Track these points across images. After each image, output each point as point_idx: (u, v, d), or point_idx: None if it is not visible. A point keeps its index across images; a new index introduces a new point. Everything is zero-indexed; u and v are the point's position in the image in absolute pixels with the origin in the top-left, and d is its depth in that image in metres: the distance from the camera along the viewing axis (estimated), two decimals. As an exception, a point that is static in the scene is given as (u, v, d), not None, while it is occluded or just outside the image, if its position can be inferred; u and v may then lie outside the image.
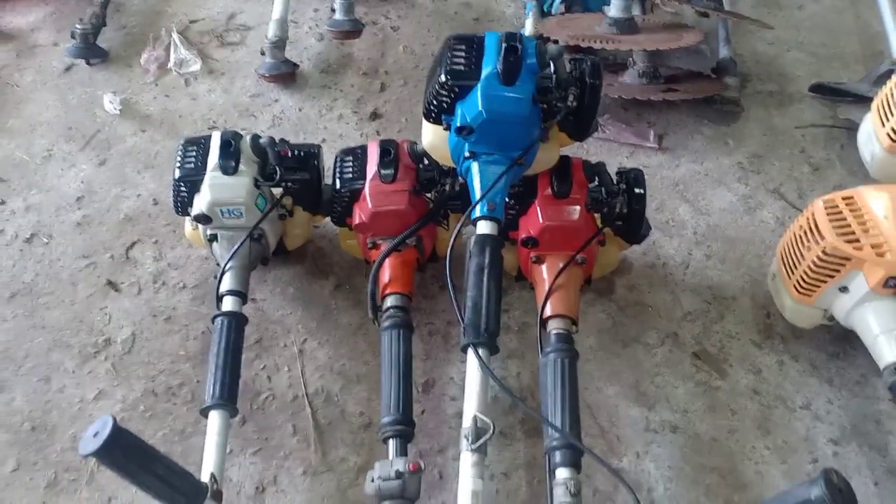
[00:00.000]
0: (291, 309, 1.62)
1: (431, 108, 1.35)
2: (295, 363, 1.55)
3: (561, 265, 1.45)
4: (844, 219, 1.38)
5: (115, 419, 0.85)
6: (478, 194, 1.32)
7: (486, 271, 1.27)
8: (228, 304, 1.43)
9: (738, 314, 1.62)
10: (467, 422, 1.16)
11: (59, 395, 1.47)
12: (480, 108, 1.28)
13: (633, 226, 1.52)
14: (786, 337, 1.58)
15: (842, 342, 1.55)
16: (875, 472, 1.42)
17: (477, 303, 1.24)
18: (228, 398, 1.33)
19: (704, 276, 1.68)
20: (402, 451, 1.31)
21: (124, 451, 0.85)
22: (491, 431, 1.14)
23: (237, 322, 1.42)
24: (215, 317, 1.42)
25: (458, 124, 1.31)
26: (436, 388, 1.53)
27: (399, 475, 1.24)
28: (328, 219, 1.60)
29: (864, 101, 1.78)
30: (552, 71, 1.36)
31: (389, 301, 1.46)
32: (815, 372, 1.54)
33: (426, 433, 1.45)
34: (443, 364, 1.56)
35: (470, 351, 1.22)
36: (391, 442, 1.32)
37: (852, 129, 1.81)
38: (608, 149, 1.90)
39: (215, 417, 1.31)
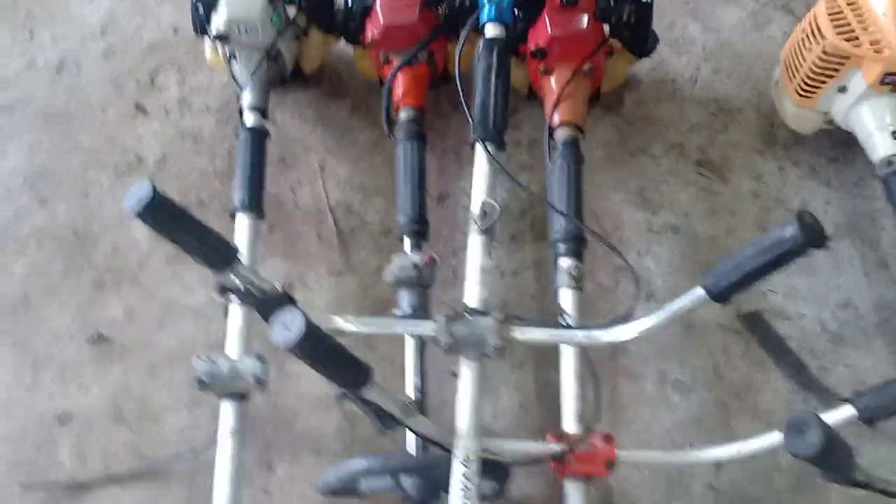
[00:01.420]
0: (311, 129, 1.69)
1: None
2: (316, 178, 1.63)
3: (569, 75, 1.50)
4: (844, 17, 1.41)
5: (152, 182, 0.94)
6: (485, -2, 1.36)
7: (493, 71, 1.33)
8: (250, 119, 1.51)
9: (742, 125, 1.67)
10: (476, 208, 1.25)
11: (99, 209, 1.58)
12: None
13: (641, 36, 1.55)
14: (787, 144, 1.63)
15: (842, 147, 1.60)
16: (866, 264, 1.51)
17: (485, 101, 1.31)
18: (255, 202, 1.42)
19: (711, 89, 1.72)
20: (418, 247, 1.41)
21: (164, 211, 0.94)
22: (497, 213, 1.23)
23: (259, 135, 1.49)
24: (238, 131, 1.50)
25: (463, -74, 1.34)
26: (449, 200, 1.61)
27: (415, 266, 1.34)
28: (343, 42, 1.65)
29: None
30: None
31: (403, 114, 1.53)
32: (815, 175, 1.60)
33: (441, 238, 1.55)
34: (455, 179, 1.64)
35: (478, 145, 1.30)
36: (407, 239, 1.42)
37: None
38: (620, -30, 1.90)
39: (243, 219, 1.41)
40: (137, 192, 0.94)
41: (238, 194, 1.43)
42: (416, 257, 1.36)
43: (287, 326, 0.88)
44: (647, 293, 1.49)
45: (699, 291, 1.00)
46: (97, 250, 1.53)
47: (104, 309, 1.47)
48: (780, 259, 0.92)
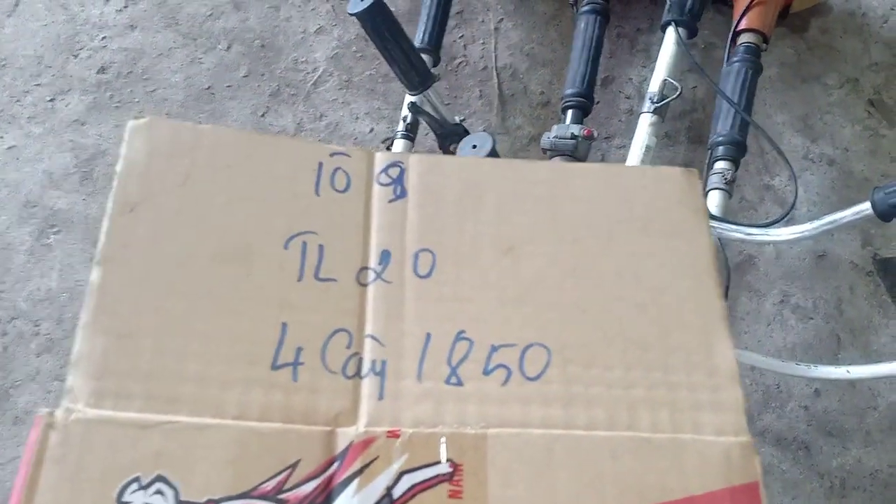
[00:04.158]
0: (494, -10, 1.73)
1: None
2: (489, 38, 1.68)
3: (766, -17, 1.48)
4: None
5: (374, -11, 1.01)
6: None
7: (698, -41, 1.33)
8: (443, -38, 1.55)
9: (925, 73, 1.63)
10: (655, 86, 1.28)
11: (286, 23, 1.67)
12: None
13: (848, -41, 1.52)
14: (969, 103, 1.59)
15: None
16: None
17: (685, -16, 1.32)
18: (434, 43, 1.48)
19: (902, 32, 1.68)
20: (578, 121, 1.45)
21: (383, 19, 1.02)
22: (677, 94, 1.26)
23: (447, -16, 1.54)
24: (431, -27, 1.54)
25: None
26: (613, 85, 1.64)
27: (574, 137, 1.38)
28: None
29: None
30: None
31: (591, -11, 1.55)
32: None
33: (597, 122, 1.59)
34: (624, 65, 1.66)
35: (670, 27, 1.31)
36: (570, 111, 1.45)
37: None
38: None
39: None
40: (362, -5, 1.01)
41: (419, 34, 1.49)
42: (576, 129, 1.40)
43: (476, 147, 0.95)
44: (788, 217, 1.50)
45: (864, 206, 1.02)
46: (279, 62, 1.63)
47: (277, 117, 1.58)
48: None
